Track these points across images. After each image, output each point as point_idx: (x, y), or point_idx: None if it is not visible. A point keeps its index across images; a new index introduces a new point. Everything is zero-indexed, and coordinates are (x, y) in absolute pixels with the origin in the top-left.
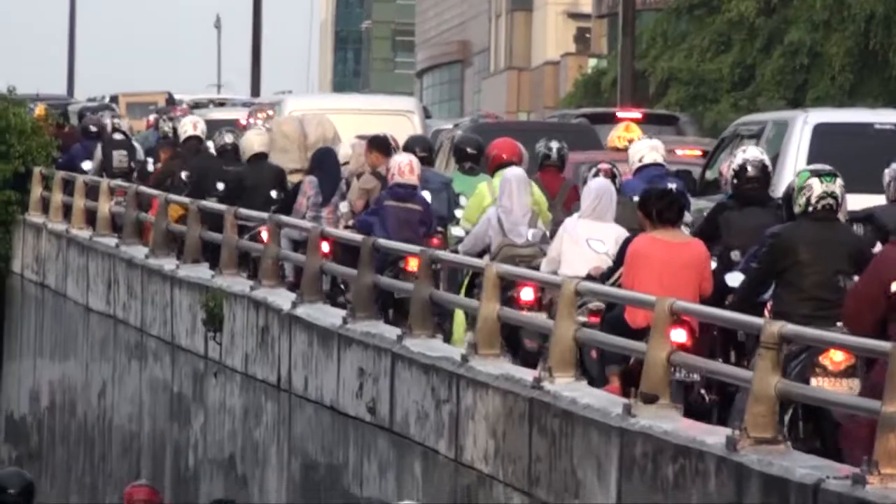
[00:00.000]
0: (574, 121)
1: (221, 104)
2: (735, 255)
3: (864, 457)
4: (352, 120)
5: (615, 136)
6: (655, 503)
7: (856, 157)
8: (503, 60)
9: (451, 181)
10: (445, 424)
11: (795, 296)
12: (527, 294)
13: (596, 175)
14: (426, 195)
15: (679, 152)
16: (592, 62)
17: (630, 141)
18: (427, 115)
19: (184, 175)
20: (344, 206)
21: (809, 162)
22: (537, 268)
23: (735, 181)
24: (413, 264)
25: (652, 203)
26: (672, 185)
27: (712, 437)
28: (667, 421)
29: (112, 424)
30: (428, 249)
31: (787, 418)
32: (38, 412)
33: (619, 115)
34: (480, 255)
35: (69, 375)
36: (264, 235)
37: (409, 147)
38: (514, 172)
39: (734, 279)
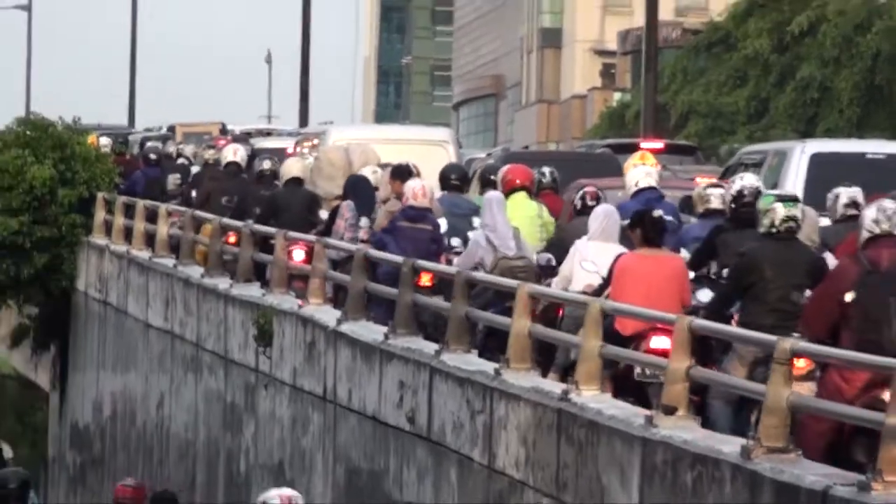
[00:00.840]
0: (598, 150)
1: (268, 134)
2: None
3: (869, 465)
4: (391, 149)
5: (631, 163)
6: None
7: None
8: (534, 94)
9: (479, 207)
10: (479, 434)
11: (761, 308)
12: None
13: (582, 198)
14: (442, 221)
15: (698, 180)
16: (617, 96)
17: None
18: (459, 145)
19: (224, 199)
20: (364, 222)
21: (807, 188)
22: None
23: (732, 205)
24: (426, 279)
25: (639, 225)
26: (659, 211)
27: (728, 446)
28: (686, 431)
29: (169, 433)
30: (475, 273)
31: (754, 417)
32: (101, 421)
33: (643, 145)
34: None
35: (129, 387)
36: (297, 255)
37: (445, 174)
38: (494, 195)
39: (705, 295)
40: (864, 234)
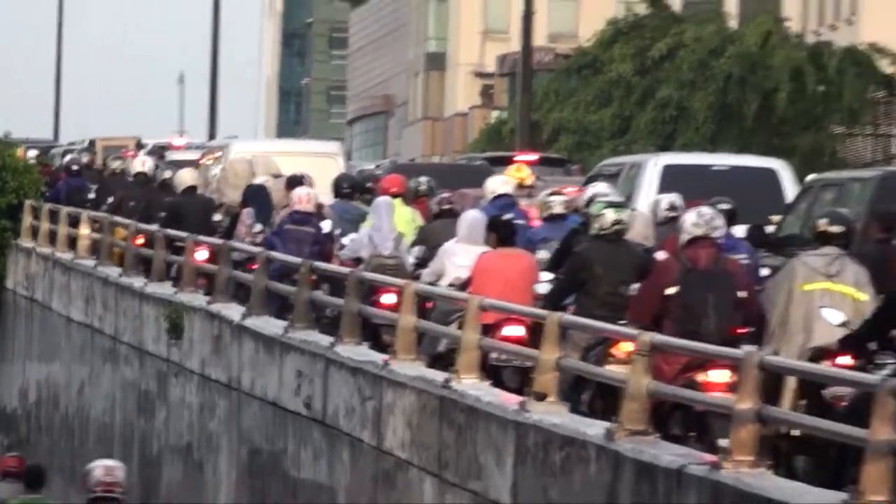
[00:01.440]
0: (477, 163)
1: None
2: None
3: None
4: (288, 161)
5: (506, 175)
6: (545, 485)
7: (696, 193)
8: (420, 112)
9: (366, 213)
10: (369, 418)
11: (592, 301)
12: (388, 298)
13: (440, 203)
14: (327, 224)
15: (566, 190)
16: (495, 114)
17: (520, 179)
18: (349, 157)
19: (130, 204)
20: (258, 227)
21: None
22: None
23: (586, 210)
24: (304, 274)
25: (494, 228)
26: (511, 215)
27: (593, 429)
28: (555, 415)
29: (89, 417)
30: (365, 273)
31: (585, 396)
32: (27, 406)
33: (518, 158)
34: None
35: (53, 376)
36: (198, 255)
37: (337, 183)
38: (383, 200)
39: (543, 287)
40: (685, 237)
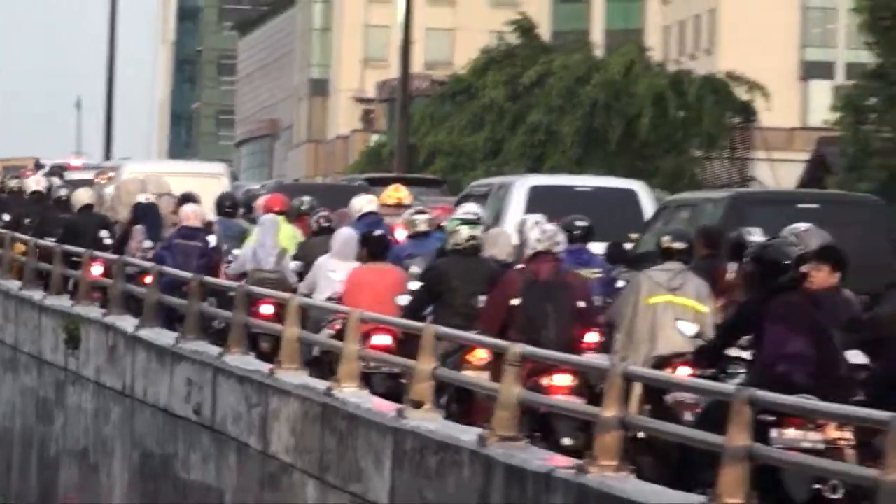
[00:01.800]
0: (357, 183)
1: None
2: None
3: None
4: (177, 180)
5: (386, 194)
6: (421, 487)
7: (561, 212)
8: (304, 135)
9: (247, 230)
10: (256, 424)
11: (449, 311)
12: (266, 309)
13: (318, 221)
14: (212, 239)
15: (436, 210)
16: (374, 137)
17: (398, 198)
18: (235, 178)
19: (26, 221)
20: (147, 244)
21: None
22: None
23: None
24: (194, 288)
25: (366, 243)
26: (380, 231)
27: (466, 435)
28: (431, 422)
29: None
30: (255, 288)
31: (443, 399)
32: None
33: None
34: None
35: None
36: (94, 270)
37: (219, 202)
38: (268, 217)
39: (403, 300)
40: (529, 251)
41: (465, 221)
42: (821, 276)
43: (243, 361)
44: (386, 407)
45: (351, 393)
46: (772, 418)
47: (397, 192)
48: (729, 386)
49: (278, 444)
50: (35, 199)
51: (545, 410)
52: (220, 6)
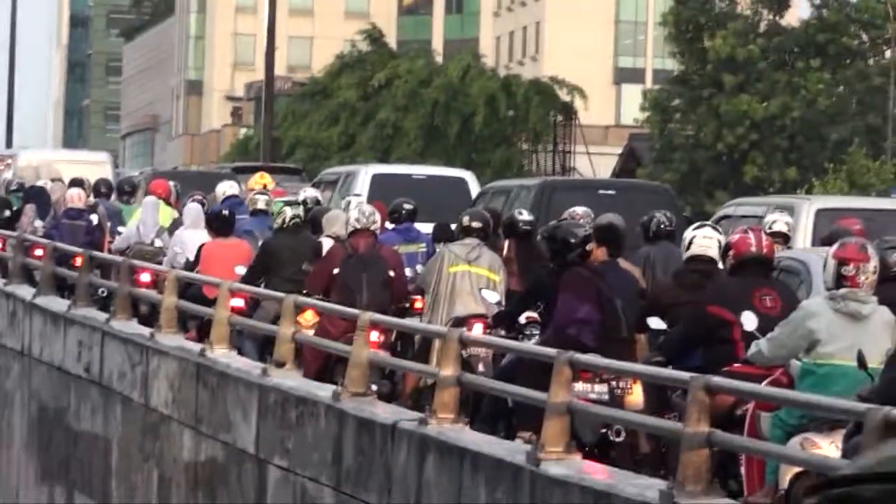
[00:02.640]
0: (224, 171)
1: None
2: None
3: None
4: (66, 167)
5: (252, 180)
6: (283, 437)
7: (401, 196)
8: (181, 128)
9: (120, 209)
10: (138, 380)
11: (280, 280)
12: (145, 277)
13: (194, 201)
14: (94, 218)
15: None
16: (243, 131)
17: (263, 184)
18: (117, 165)
19: None
20: (38, 223)
21: (369, 199)
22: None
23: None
24: (79, 261)
25: (210, 221)
26: (227, 210)
27: (322, 391)
28: (292, 380)
29: None
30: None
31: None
32: None
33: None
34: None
35: None
36: None
37: (96, 185)
38: (151, 199)
39: (240, 269)
40: (349, 228)
41: (288, 203)
42: (598, 253)
43: (127, 326)
44: (252, 366)
45: (222, 354)
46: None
47: (262, 179)
48: (550, 351)
49: (158, 399)
50: None
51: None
52: (108, 15)
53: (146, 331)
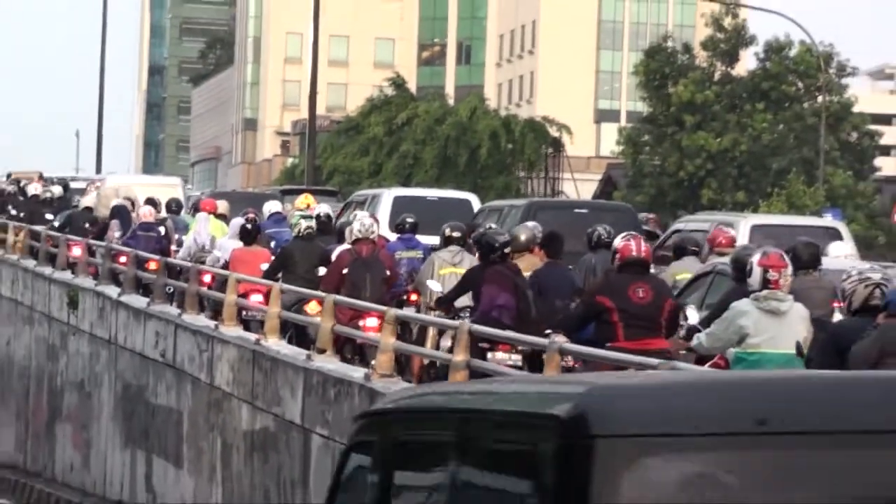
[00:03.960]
0: (271, 192)
1: (72, 179)
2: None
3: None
4: (146, 189)
5: (299, 201)
6: (324, 410)
7: (417, 214)
8: (239, 158)
9: (188, 223)
10: (205, 364)
11: (293, 277)
12: (207, 278)
13: (244, 215)
14: (162, 230)
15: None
16: (290, 160)
17: (308, 203)
18: (186, 187)
19: (22, 215)
20: (117, 234)
21: (392, 218)
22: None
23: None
24: (153, 265)
25: (241, 233)
26: (279, 228)
27: (356, 373)
28: (330, 363)
29: (14, 361)
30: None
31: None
32: None
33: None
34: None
35: None
36: (74, 251)
37: (168, 204)
38: (202, 215)
39: (263, 267)
40: (353, 237)
41: (304, 216)
42: (541, 255)
43: (195, 319)
44: (298, 352)
45: (273, 342)
46: (488, 345)
47: (307, 199)
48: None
49: (221, 378)
50: (33, 199)
51: (361, 342)
52: (180, 65)
53: (211, 323)
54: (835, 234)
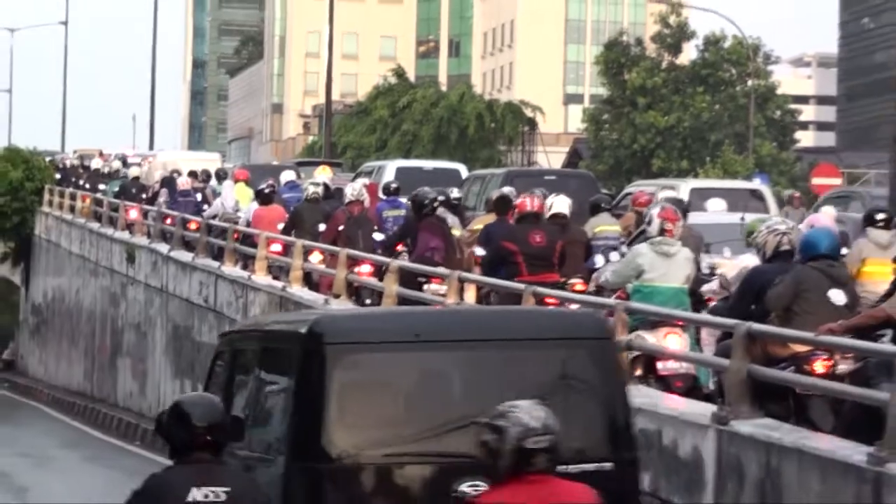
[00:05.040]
0: (289, 165)
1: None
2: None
3: None
4: (190, 163)
5: (318, 171)
6: None
7: (416, 182)
8: (268, 136)
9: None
10: (240, 307)
11: (302, 232)
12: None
13: (266, 187)
14: (198, 196)
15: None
16: (311, 138)
17: (324, 172)
18: (223, 160)
19: (87, 185)
20: (164, 198)
21: (394, 184)
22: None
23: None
24: (194, 226)
25: (258, 195)
26: (267, 189)
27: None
28: (343, 306)
29: (82, 307)
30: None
31: None
32: (47, 301)
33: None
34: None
35: (61, 284)
36: (131, 214)
37: (217, 174)
38: (227, 183)
39: (280, 226)
40: (347, 199)
41: (312, 183)
42: (491, 215)
43: (233, 271)
44: (317, 296)
45: (297, 289)
46: (425, 279)
47: (324, 170)
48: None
49: (251, 314)
50: (95, 172)
51: (357, 286)
52: (218, 59)
53: (245, 274)
54: (759, 195)
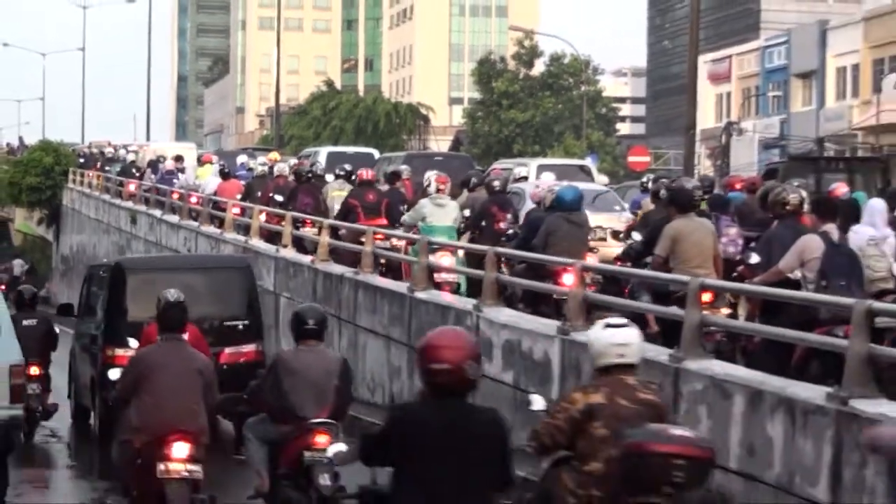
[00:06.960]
0: (244, 151)
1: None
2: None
3: None
4: (172, 149)
5: (270, 156)
6: (287, 281)
7: (340, 162)
8: (234, 131)
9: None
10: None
11: (251, 200)
12: (193, 200)
13: (222, 167)
14: (181, 175)
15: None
16: (265, 132)
17: (274, 158)
18: (199, 149)
19: (100, 167)
20: (152, 178)
21: (327, 166)
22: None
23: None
24: (175, 196)
25: (220, 172)
26: (227, 168)
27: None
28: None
29: (96, 257)
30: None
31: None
32: (73, 252)
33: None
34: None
35: (84, 240)
36: (132, 188)
37: (198, 158)
38: (190, 164)
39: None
40: (276, 174)
41: (260, 164)
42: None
43: (208, 229)
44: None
45: (256, 241)
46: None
47: (273, 155)
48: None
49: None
50: (105, 158)
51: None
52: (196, 74)
53: (217, 230)
54: (586, 170)
